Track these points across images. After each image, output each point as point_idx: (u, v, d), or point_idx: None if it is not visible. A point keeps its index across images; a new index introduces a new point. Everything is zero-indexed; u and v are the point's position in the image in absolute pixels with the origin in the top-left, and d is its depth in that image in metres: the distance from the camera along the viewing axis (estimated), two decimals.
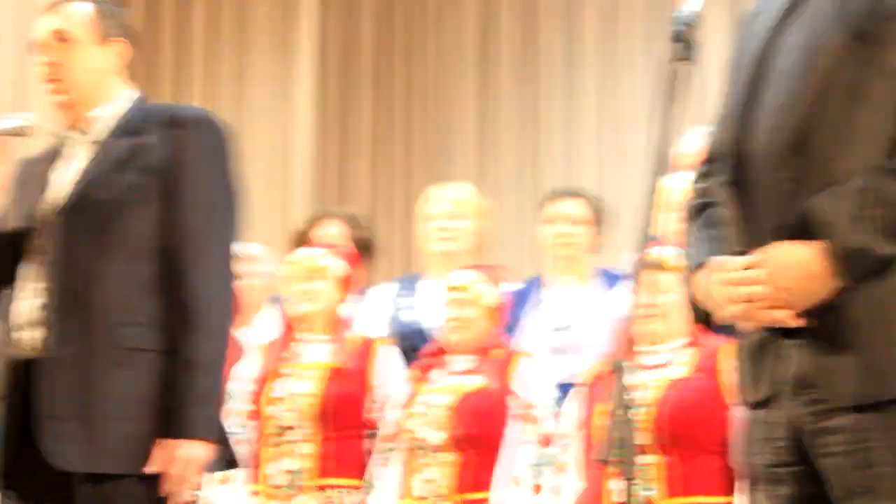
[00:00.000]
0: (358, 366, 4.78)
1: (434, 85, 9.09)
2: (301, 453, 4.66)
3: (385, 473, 4.63)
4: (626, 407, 2.36)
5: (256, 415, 4.74)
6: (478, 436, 4.50)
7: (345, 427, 4.70)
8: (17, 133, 3.28)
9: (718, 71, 2.64)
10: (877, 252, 2.31)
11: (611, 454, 2.32)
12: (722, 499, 4.06)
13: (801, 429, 2.40)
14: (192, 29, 8.90)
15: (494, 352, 4.67)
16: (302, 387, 4.72)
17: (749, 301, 2.38)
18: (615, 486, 3.91)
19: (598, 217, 5.30)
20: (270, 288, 5.58)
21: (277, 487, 4.65)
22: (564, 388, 4.64)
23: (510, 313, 4.94)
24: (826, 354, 2.36)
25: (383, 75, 9.20)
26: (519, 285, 5.32)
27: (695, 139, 4.67)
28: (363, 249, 5.42)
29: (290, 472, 4.65)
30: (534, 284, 5.34)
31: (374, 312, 5.34)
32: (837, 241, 2.32)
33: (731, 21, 7.40)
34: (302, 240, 5.45)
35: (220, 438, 3.23)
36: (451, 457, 4.51)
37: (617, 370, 2.37)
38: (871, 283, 2.33)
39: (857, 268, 2.32)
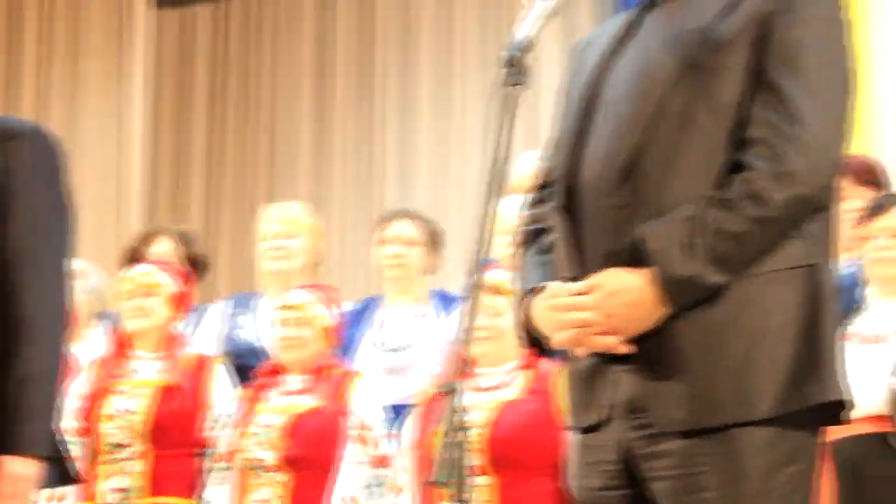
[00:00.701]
0: (191, 384, 4.74)
1: (269, 102, 9.05)
2: (132, 471, 4.63)
3: (217, 493, 4.59)
4: (458, 429, 2.37)
5: (86, 432, 4.68)
6: (310, 456, 4.49)
7: (177, 445, 4.66)
8: None
9: (552, 96, 2.67)
10: (705, 280, 2.34)
11: (442, 476, 2.32)
12: None
13: (631, 453, 2.43)
14: (23, 41, 8.76)
15: (328, 372, 4.67)
16: (133, 404, 4.68)
17: (579, 327, 2.40)
18: None
19: (432, 238, 5.32)
20: (96, 304, 5.51)
21: None
22: (399, 410, 4.64)
23: (345, 333, 4.94)
24: (655, 380, 2.39)
25: (218, 92, 9.14)
26: (354, 305, 5.32)
27: (528, 164, 4.71)
28: (195, 267, 5.39)
29: (121, 489, 4.61)
30: (369, 304, 5.34)
31: (209, 330, 5.31)
32: (666, 268, 2.34)
33: (566, 46, 7.48)
34: (134, 256, 5.40)
35: (55, 454, 3.17)
36: (283, 477, 4.49)
37: (449, 392, 2.38)
38: (700, 311, 2.36)
39: (685, 296, 2.35)
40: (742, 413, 2.35)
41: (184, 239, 5.55)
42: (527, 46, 2.44)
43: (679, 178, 2.40)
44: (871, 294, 4.30)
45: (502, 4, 8.39)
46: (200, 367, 4.81)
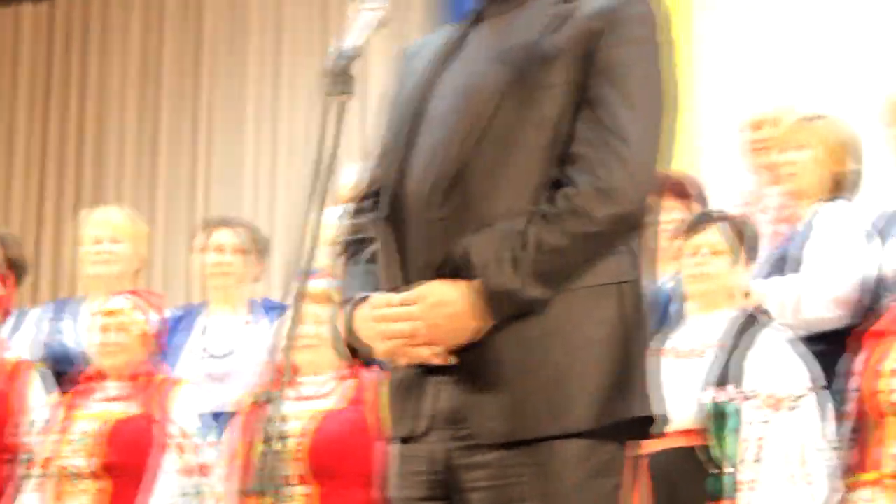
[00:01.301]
0: (3, 389, 4.65)
1: (94, 104, 8.92)
2: None
3: (31, 500, 4.51)
4: (275, 438, 2.35)
5: None
6: (127, 463, 4.43)
7: None
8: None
9: (379, 106, 2.67)
10: (525, 294, 2.36)
11: (260, 485, 2.31)
12: None
13: (449, 463, 2.43)
14: None
15: (148, 378, 4.61)
16: None
17: (401, 338, 2.39)
18: None
19: (256, 246, 5.30)
20: None
21: None
22: (219, 417, 4.61)
23: (166, 340, 4.89)
24: (475, 392, 2.39)
25: (39, 94, 8.99)
26: (176, 312, 5.27)
27: (353, 173, 4.71)
28: (13, 270, 5.29)
29: None
30: (191, 311, 5.30)
31: (28, 335, 5.22)
32: (487, 281, 2.35)
33: (395, 56, 7.49)
34: None
35: None
36: (99, 484, 4.43)
37: (267, 401, 2.36)
38: (519, 324, 2.38)
39: (505, 309, 2.36)
40: (557, 426, 2.37)
41: (3, 241, 5.45)
42: (353, 56, 2.43)
43: (503, 192, 2.41)
44: (688, 309, 4.39)
45: (332, 9, 8.38)
46: (16, 372, 4.73)
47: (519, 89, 2.43)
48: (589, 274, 2.41)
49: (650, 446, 3.07)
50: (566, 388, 2.37)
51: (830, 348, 4.37)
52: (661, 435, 2.52)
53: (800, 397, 4.03)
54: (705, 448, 4.00)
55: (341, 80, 2.41)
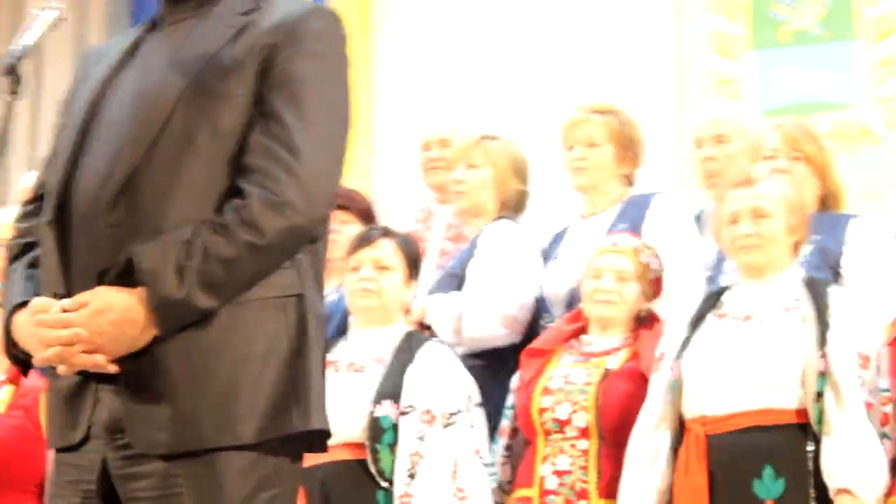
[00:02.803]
0: None
1: None
2: None
3: None
4: None
5: None
6: None
7: None
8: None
9: (55, 108, 2.62)
10: (194, 304, 2.34)
11: None
12: None
13: (111, 473, 2.41)
14: None
15: None
16: None
17: (64, 344, 2.34)
18: None
19: None
20: None
21: None
22: None
23: None
24: (139, 402, 2.37)
25: None
26: None
27: (27, 176, 4.62)
28: None
29: None
30: None
31: None
32: (156, 290, 2.33)
33: (76, 57, 7.34)
34: None
35: None
36: None
37: None
38: (188, 335, 2.36)
39: (173, 318, 2.35)
40: (224, 438, 2.37)
41: None
42: (22, 55, 2.39)
43: (177, 201, 2.39)
44: (351, 323, 4.42)
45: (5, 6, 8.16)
46: None
47: (195, 98, 2.43)
48: (258, 287, 2.41)
49: (315, 459, 3.09)
50: (231, 400, 2.37)
51: (493, 365, 4.47)
52: (325, 449, 2.54)
53: (456, 413, 4.09)
54: (370, 462, 4.04)
55: (9, 79, 2.36)
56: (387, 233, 4.38)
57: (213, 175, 2.41)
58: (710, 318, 3.93)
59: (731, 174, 4.41)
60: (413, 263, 4.36)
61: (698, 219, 4.75)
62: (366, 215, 5.00)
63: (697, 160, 4.96)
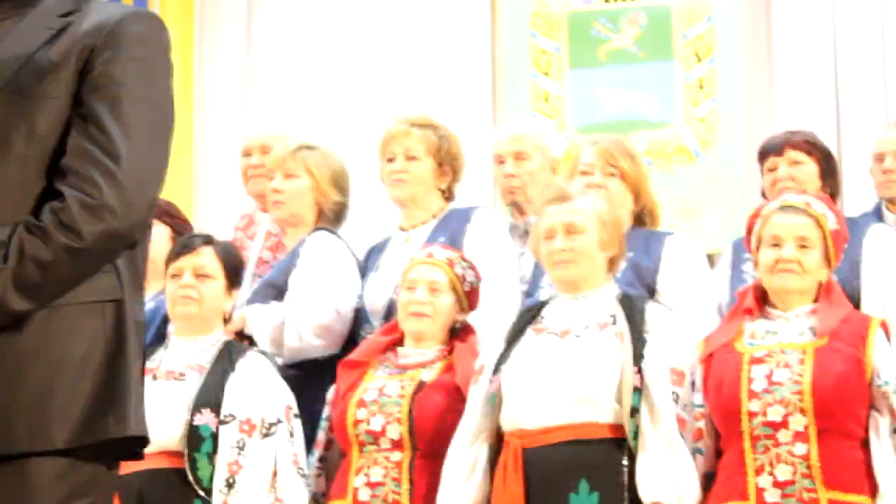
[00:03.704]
0: None
1: None
2: None
3: None
4: None
5: None
6: None
7: None
8: None
9: None
10: (8, 306, 2.29)
11: None
12: None
13: None
14: None
15: None
16: None
17: None
18: None
19: None
20: None
21: None
22: None
23: None
24: None
25: None
26: None
27: None
28: None
29: None
30: None
31: None
32: None
33: None
34: None
35: None
36: None
37: None
38: (2, 338, 2.30)
39: None
40: (36, 443, 2.31)
41: None
42: None
43: None
44: (171, 331, 4.37)
45: None
46: None
47: (11, 100, 2.37)
48: (74, 291, 2.36)
49: (131, 467, 3.04)
50: (46, 405, 2.32)
51: (311, 376, 4.46)
52: (142, 456, 2.50)
53: (275, 424, 4.09)
54: (188, 470, 4.00)
55: None
56: (208, 241, 4.36)
57: (29, 177, 2.36)
58: (529, 332, 3.97)
59: (539, 190, 4.46)
60: (234, 272, 4.35)
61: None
62: (179, 222, 4.96)
63: (497, 177, 5.00)
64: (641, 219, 4.51)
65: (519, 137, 4.96)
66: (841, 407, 3.69)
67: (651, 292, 4.29)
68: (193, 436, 4.03)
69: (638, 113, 7.00)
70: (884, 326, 3.85)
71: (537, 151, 4.91)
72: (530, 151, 4.91)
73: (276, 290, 4.61)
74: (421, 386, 4.13)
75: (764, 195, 4.70)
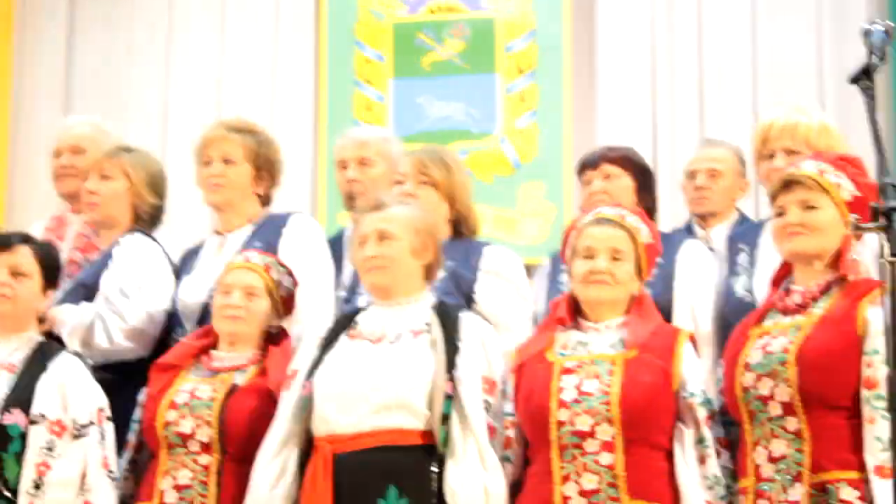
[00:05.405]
0: None
1: None
2: None
3: None
4: None
5: None
6: None
7: None
8: None
9: None
10: None
11: None
12: None
13: None
14: None
15: None
16: None
17: None
18: None
19: None
20: None
21: None
22: None
23: None
24: None
25: None
26: None
27: None
28: None
29: None
30: None
31: None
32: None
33: None
34: None
35: None
36: None
37: None
38: None
39: None
40: None
41: None
42: None
43: None
44: None
45: None
46: None
47: None
48: None
49: None
50: None
51: (122, 378, 4.42)
52: None
53: (87, 426, 4.06)
54: None
55: None
56: (25, 239, 4.32)
57: None
58: (343, 338, 3.98)
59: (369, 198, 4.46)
60: (51, 272, 4.31)
61: (340, 239, 4.78)
62: None
63: (340, 182, 5.00)
64: (459, 228, 4.54)
65: (364, 143, 4.98)
66: (648, 418, 3.75)
67: (469, 301, 4.32)
68: (2, 435, 3.99)
69: (460, 123, 7.06)
70: (692, 339, 3.93)
71: (381, 158, 4.93)
72: (374, 157, 4.92)
73: (87, 291, 4.59)
74: (233, 389, 4.13)
75: (582, 208, 4.76)
